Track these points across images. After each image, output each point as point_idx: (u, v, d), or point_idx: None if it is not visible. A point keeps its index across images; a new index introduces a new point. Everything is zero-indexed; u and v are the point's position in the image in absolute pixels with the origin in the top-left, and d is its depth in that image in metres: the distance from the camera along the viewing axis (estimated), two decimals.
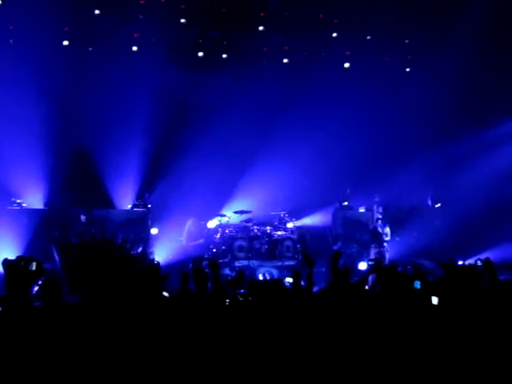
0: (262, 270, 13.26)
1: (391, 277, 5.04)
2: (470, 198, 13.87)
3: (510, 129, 14.23)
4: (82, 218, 12.31)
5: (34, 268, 3.75)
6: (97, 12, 13.93)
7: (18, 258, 3.83)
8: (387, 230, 12.83)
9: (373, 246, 12.92)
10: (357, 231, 14.00)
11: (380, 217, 12.99)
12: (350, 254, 13.32)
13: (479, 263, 7.32)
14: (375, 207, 13.41)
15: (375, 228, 12.92)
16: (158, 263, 7.30)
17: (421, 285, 5.19)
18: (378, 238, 12.82)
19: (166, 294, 5.12)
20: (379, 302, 4.38)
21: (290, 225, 14.41)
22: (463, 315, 3.85)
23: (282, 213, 14.37)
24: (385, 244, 12.83)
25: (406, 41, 14.99)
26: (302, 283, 6.06)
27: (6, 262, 3.75)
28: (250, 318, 3.86)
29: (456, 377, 3.24)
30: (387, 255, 12.74)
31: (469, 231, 13.26)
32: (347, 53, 15.27)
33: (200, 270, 4.86)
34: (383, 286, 5.14)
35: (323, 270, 9.96)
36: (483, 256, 8.02)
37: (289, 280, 8.10)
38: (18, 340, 3.29)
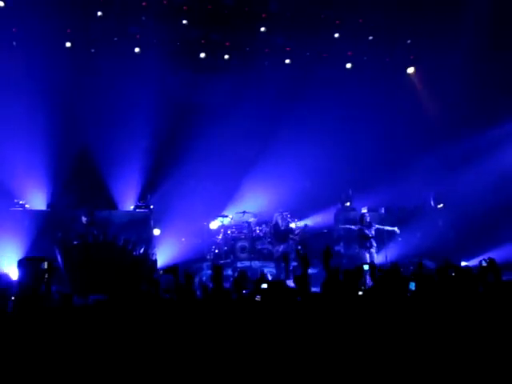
0: (265, 270, 13.24)
1: (390, 278, 5.02)
2: (473, 198, 13.78)
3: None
4: (84, 219, 12.18)
5: (45, 267, 3.85)
6: (99, 14, 13.88)
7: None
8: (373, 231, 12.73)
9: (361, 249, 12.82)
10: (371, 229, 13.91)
11: (367, 218, 12.88)
12: (351, 255, 13.31)
13: (484, 264, 7.33)
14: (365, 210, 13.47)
15: (361, 230, 12.80)
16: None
17: (416, 286, 5.24)
18: (365, 240, 12.72)
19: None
20: (372, 303, 4.38)
21: (292, 225, 14.25)
22: (455, 316, 3.82)
23: (285, 213, 14.19)
24: (372, 247, 12.74)
25: (408, 41, 14.99)
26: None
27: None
28: (258, 317, 3.90)
29: (445, 377, 3.23)
30: (375, 256, 12.67)
31: (472, 231, 13.18)
32: (349, 53, 15.31)
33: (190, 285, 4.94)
34: (378, 287, 5.16)
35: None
36: (487, 256, 8.03)
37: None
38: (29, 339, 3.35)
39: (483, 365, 3.16)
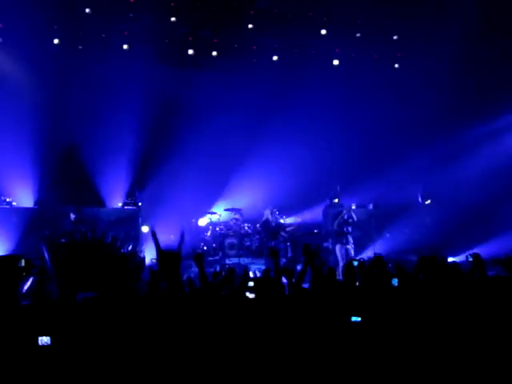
0: (253, 267, 13.29)
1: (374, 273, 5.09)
2: (459, 194, 14.06)
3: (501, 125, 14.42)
4: (72, 216, 12.31)
5: (23, 264, 3.76)
6: (87, 10, 13.79)
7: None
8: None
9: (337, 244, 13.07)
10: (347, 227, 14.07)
11: (345, 216, 13.13)
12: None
13: (470, 259, 7.38)
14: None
15: (339, 226, 13.04)
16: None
17: (398, 282, 5.23)
18: (341, 237, 12.98)
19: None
20: (356, 298, 4.38)
21: (282, 221, 14.51)
22: (435, 314, 3.84)
23: (274, 210, 14.34)
24: (349, 243, 12.96)
25: (395, 37, 15.06)
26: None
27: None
28: (247, 313, 3.88)
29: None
30: (352, 252, 12.90)
31: (459, 227, 13.30)
32: (337, 50, 15.36)
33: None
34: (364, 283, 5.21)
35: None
36: (473, 251, 8.08)
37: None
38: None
39: (463, 362, 3.20)
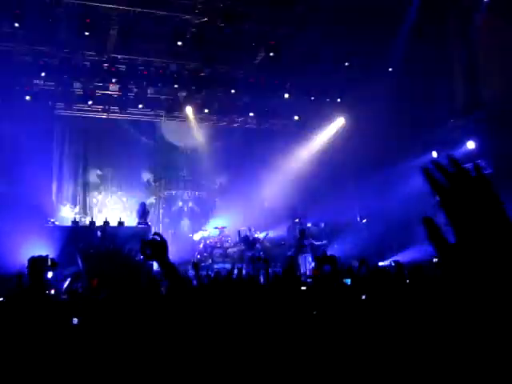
0: (235, 270, 13.74)
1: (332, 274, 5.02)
2: (387, 215, 14.08)
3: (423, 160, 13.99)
4: (99, 233, 12.82)
5: (49, 263, 4.28)
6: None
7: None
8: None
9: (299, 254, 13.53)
10: (308, 241, 14.18)
11: (305, 233, 13.73)
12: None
13: (392, 264, 8.18)
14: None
15: (300, 241, 13.59)
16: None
17: (351, 282, 5.25)
18: (303, 248, 13.56)
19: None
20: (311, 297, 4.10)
21: (257, 235, 14.84)
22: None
23: (251, 227, 14.71)
24: (308, 253, 13.40)
25: (338, 100, 15.74)
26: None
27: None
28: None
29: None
30: (310, 260, 13.22)
31: (386, 240, 13.63)
32: (297, 108, 15.94)
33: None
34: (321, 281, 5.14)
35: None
36: (395, 258, 8.78)
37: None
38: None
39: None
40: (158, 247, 2.51)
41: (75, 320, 3.41)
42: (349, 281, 5.22)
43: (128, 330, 2.85)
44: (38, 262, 3.73)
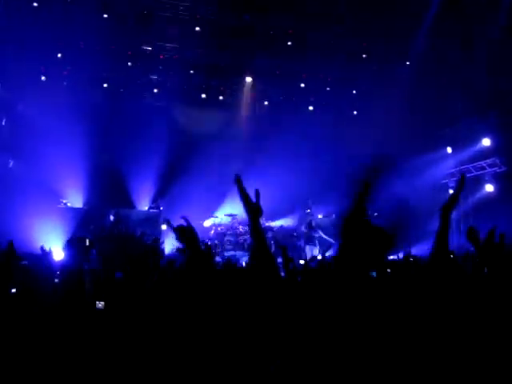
0: (245, 258, 13.51)
1: None
2: (400, 208, 14.15)
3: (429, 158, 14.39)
4: (111, 217, 12.89)
5: (87, 243, 3.97)
6: (129, 64, 14.70)
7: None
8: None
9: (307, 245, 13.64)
10: (316, 232, 14.22)
11: (313, 224, 13.73)
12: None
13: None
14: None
15: (309, 232, 13.63)
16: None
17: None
18: (311, 239, 13.64)
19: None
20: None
21: (268, 224, 14.84)
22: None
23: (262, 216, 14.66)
24: (316, 245, 13.43)
25: (354, 91, 15.70)
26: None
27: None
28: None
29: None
30: (316, 251, 13.28)
31: (399, 233, 13.42)
32: (311, 99, 15.90)
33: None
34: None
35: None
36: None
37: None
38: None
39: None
40: (189, 233, 2.59)
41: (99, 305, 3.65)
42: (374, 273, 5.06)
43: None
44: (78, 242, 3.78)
